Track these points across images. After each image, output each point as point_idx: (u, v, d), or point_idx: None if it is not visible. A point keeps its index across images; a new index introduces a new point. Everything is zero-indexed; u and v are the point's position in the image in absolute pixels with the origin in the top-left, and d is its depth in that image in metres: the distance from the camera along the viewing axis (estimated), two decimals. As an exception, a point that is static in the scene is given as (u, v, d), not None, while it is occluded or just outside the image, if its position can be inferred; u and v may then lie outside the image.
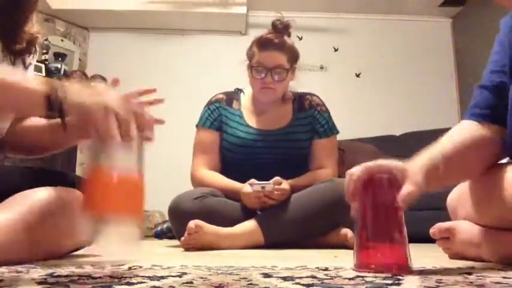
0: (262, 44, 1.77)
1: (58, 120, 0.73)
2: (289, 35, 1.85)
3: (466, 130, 0.94)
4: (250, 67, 1.79)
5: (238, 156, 1.80)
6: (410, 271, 0.71)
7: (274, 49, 1.75)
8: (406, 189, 0.72)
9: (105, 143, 0.66)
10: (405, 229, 0.73)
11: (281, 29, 1.81)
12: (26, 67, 1.02)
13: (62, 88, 0.72)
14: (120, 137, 0.67)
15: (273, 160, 1.78)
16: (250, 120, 1.85)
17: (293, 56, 1.81)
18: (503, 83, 0.92)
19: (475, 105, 0.96)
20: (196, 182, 1.79)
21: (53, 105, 0.71)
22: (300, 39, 3.82)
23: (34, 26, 1.01)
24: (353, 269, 0.74)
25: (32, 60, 1.05)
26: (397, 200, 0.72)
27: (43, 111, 0.71)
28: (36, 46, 1.03)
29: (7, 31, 0.96)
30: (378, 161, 0.77)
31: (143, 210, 0.70)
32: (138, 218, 0.68)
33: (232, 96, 1.91)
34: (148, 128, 0.75)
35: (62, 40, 3.50)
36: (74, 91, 0.72)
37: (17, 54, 0.98)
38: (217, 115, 1.85)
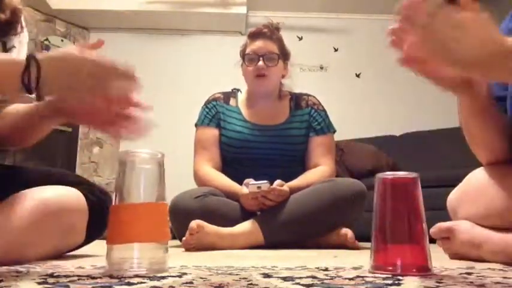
0: (253, 34, 1.87)
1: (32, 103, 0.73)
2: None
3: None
4: (243, 57, 1.87)
5: (236, 151, 1.82)
6: (430, 272, 0.69)
7: (265, 38, 1.84)
8: None
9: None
10: (426, 229, 0.71)
11: (271, 31, 1.89)
12: (7, 49, 0.98)
13: (39, 64, 0.70)
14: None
15: (270, 156, 1.80)
16: (248, 116, 1.88)
17: (283, 48, 1.90)
18: (503, 97, 0.93)
19: None
20: (199, 179, 1.81)
21: (29, 82, 0.69)
22: (300, 39, 3.83)
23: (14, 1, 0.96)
24: (369, 271, 0.72)
25: (17, 42, 0.99)
26: (419, 197, 0.71)
27: (18, 85, 0.69)
28: (22, 22, 0.99)
29: None
30: None
31: (168, 233, 0.73)
32: (163, 242, 0.71)
33: (230, 95, 1.96)
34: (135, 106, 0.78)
35: (62, 40, 3.50)
36: (52, 70, 0.71)
37: (1, 27, 0.94)
38: (215, 112, 1.88)
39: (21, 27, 0.99)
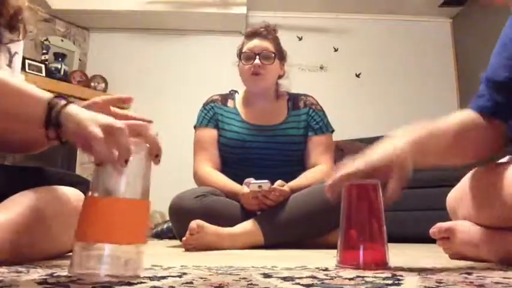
0: (249, 34, 1.91)
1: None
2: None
3: (466, 115, 0.96)
4: (240, 55, 1.89)
5: (235, 151, 1.83)
6: (387, 267, 0.79)
7: (261, 38, 1.88)
8: (390, 188, 0.79)
9: (105, 166, 0.63)
10: (385, 229, 0.81)
11: (267, 30, 1.92)
12: (11, 55, 0.98)
13: (61, 102, 0.70)
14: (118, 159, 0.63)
15: (268, 156, 1.80)
16: (246, 116, 1.89)
17: (279, 47, 1.92)
18: (508, 79, 0.91)
19: (479, 97, 0.96)
20: (198, 179, 1.81)
21: (52, 116, 0.68)
22: (300, 39, 3.83)
23: (19, 0, 0.95)
24: (336, 265, 0.82)
25: (18, 48, 1.00)
26: (379, 202, 0.80)
27: (42, 119, 0.68)
28: (25, 25, 0.97)
29: None
30: (360, 162, 0.85)
31: (146, 236, 0.66)
32: (140, 245, 0.63)
33: (227, 96, 1.97)
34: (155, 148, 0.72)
35: (62, 40, 3.50)
36: (73, 108, 0.70)
37: (1, 30, 0.93)
38: (212, 113, 1.89)
39: (25, 31, 0.99)
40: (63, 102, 0.70)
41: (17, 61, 1.01)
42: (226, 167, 1.84)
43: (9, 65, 0.97)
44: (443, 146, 0.90)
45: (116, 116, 0.77)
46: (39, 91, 0.72)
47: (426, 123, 0.91)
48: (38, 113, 0.69)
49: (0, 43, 0.95)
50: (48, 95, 0.70)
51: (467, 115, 0.95)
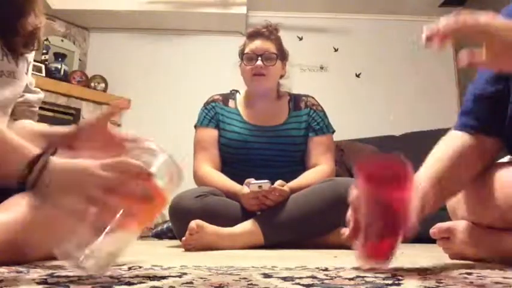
0: (251, 34, 1.90)
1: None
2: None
3: (458, 145, 0.94)
4: (242, 55, 1.89)
5: (236, 152, 1.83)
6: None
7: (263, 38, 1.87)
8: None
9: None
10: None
11: (269, 31, 1.91)
12: (28, 64, 1.03)
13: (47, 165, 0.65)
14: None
15: (269, 156, 1.80)
16: (247, 117, 1.89)
17: (281, 47, 1.91)
18: (499, 92, 0.91)
19: (468, 114, 0.96)
20: (198, 179, 1.81)
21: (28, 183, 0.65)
22: (300, 39, 3.83)
23: (37, 18, 0.97)
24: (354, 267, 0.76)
25: (31, 57, 1.05)
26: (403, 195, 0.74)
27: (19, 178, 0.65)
28: (40, 39, 1.00)
29: (5, 21, 0.91)
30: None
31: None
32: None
33: (228, 96, 1.97)
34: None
35: (62, 40, 3.49)
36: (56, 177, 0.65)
37: (17, 48, 0.96)
38: (214, 113, 1.89)
39: (38, 44, 1.01)
40: (41, 164, 0.64)
41: (30, 68, 1.07)
42: (227, 167, 1.84)
43: (26, 73, 1.03)
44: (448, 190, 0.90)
45: (113, 141, 0.82)
46: (26, 148, 0.67)
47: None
48: (15, 173, 0.64)
49: (21, 55, 0.98)
50: (31, 155, 0.65)
51: (457, 149, 0.93)
